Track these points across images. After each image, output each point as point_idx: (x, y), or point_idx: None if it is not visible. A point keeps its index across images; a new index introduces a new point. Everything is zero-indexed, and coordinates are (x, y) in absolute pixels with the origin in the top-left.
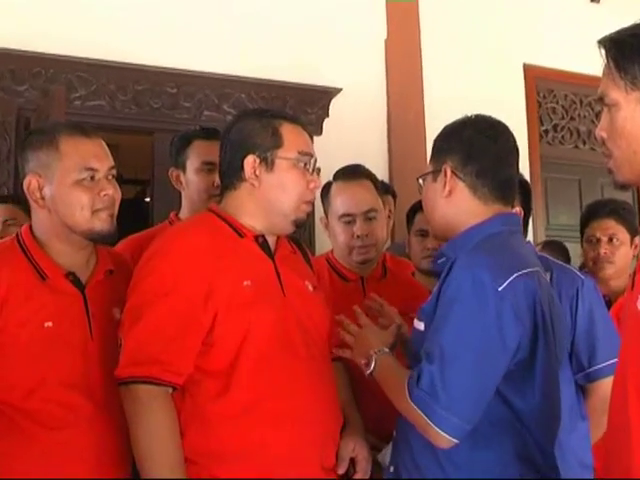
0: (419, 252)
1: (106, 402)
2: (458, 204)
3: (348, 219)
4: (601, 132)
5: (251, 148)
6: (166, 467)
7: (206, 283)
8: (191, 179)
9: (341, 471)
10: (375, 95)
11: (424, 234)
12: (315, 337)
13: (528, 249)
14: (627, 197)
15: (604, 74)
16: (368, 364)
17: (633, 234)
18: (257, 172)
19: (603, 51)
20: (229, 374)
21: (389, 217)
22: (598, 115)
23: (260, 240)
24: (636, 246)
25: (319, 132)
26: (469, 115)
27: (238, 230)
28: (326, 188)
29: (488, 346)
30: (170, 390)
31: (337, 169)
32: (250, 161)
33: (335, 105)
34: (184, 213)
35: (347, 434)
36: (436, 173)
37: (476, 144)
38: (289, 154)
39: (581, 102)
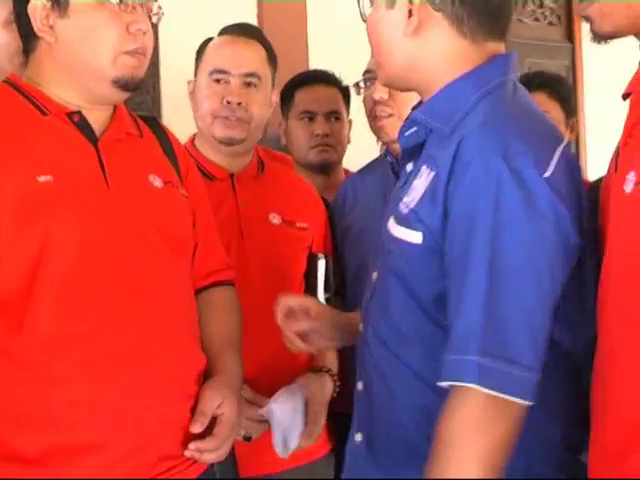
0: (304, 141)
1: None
2: (432, 45)
3: (220, 77)
4: None
5: None
6: None
7: None
8: None
9: (196, 429)
10: None
11: (311, 116)
12: (163, 252)
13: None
14: None
15: None
16: None
17: (569, 114)
18: (50, 21)
19: None
20: (22, 305)
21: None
22: None
23: (75, 118)
24: (572, 128)
25: None
26: None
27: (40, 106)
28: (204, 43)
29: (551, 259)
30: None
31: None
32: (36, 7)
33: None
34: None
35: (216, 385)
36: None
37: None
38: None
39: None
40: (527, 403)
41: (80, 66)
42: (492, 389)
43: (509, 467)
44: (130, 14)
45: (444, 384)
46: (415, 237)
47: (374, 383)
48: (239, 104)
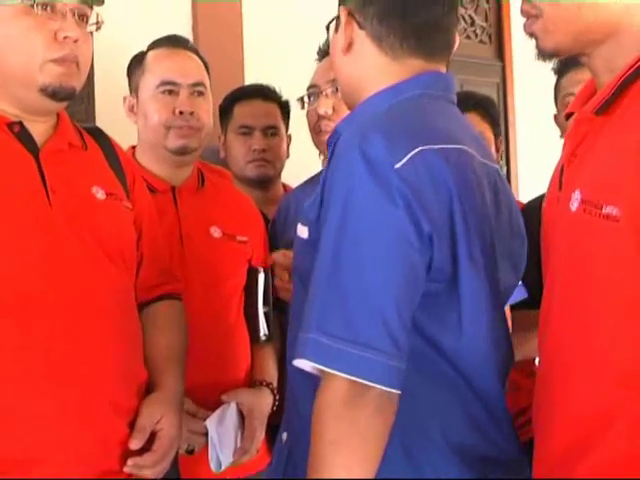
0: (242, 155)
1: None
2: (361, 62)
3: (169, 88)
4: None
5: None
6: None
7: None
8: None
9: (134, 445)
10: None
11: (249, 131)
12: (104, 264)
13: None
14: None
15: None
16: None
17: (497, 134)
18: None
19: None
20: None
21: None
22: None
23: (16, 129)
24: (498, 148)
25: None
26: None
27: None
28: (137, 58)
29: (399, 242)
30: None
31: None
32: None
33: None
34: None
35: (155, 401)
36: (338, 20)
37: None
38: None
39: None
40: (386, 389)
41: (8, 74)
42: (337, 370)
43: (388, 460)
44: (58, 21)
45: (296, 362)
46: (304, 232)
47: (294, 384)
48: (191, 113)
